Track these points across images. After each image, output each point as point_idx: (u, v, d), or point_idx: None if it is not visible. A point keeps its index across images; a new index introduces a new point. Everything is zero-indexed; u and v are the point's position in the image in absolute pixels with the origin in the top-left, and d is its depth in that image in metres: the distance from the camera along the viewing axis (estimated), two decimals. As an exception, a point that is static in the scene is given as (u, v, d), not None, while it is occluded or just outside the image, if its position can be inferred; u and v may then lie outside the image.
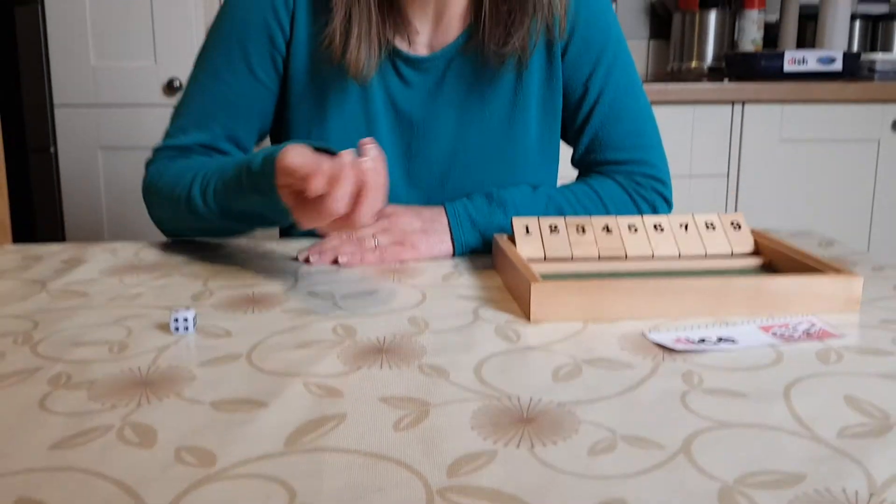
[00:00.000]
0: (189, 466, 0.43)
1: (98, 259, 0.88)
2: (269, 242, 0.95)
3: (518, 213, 0.91)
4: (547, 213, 0.93)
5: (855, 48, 2.49)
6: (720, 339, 0.62)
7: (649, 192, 0.98)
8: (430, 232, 0.90)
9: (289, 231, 1.06)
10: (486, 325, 0.66)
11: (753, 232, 0.84)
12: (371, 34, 0.90)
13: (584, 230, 0.83)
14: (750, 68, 2.17)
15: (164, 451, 0.44)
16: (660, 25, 2.58)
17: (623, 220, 0.84)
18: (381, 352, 0.60)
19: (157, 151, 0.98)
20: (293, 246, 0.93)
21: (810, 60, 2.15)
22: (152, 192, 0.95)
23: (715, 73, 2.39)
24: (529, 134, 1.00)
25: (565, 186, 0.98)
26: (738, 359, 0.58)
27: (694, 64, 2.43)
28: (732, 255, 0.82)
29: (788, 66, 2.15)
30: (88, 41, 2.00)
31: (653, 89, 1.98)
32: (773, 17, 2.48)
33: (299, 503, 0.39)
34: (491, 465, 0.43)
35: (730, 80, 2.13)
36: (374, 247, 0.87)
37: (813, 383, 0.54)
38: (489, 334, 0.64)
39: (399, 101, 0.97)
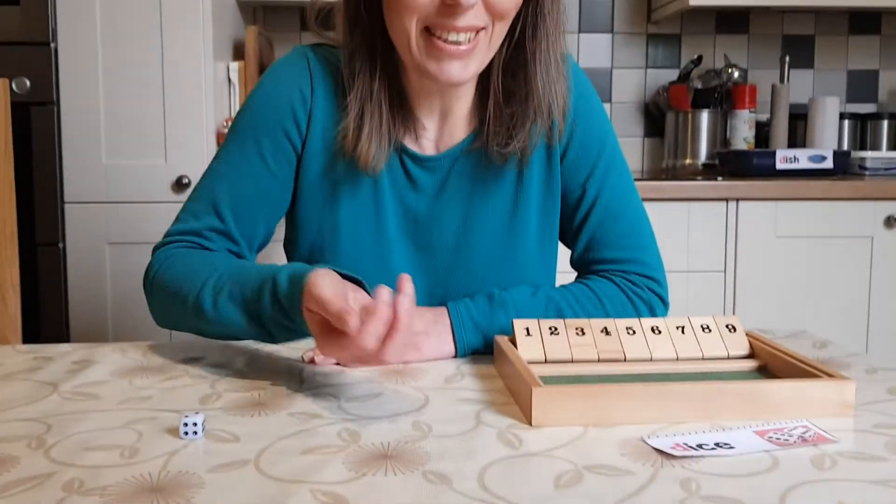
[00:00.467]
0: (200, 576, 0.44)
1: (108, 360, 0.90)
2: (274, 344, 0.97)
3: (519, 315, 0.94)
4: (547, 315, 0.95)
5: (845, 146, 2.56)
6: (717, 445, 0.63)
7: (646, 293, 1.01)
8: (432, 333, 0.92)
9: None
10: (489, 430, 0.67)
11: (748, 334, 0.87)
12: (381, 130, 0.96)
13: (583, 332, 0.85)
14: (743, 166, 2.23)
15: (175, 561, 0.46)
16: (653, 124, 2.67)
17: (621, 323, 0.86)
18: (385, 458, 0.61)
19: (167, 237, 1.00)
20: (298, 346, 0.95)
21: (802, 159, 2.21)
22: (157, 283, 0.96)
23: (709, 170, 2.46)
24: (530, 232, 1.03)
25: (564, 287, 1.01)
26: (735, 465, 0.59)
27: (688, 161, 2.50)
28: (728, 357, 0.84)
29: (781, 164, 2.21)
30: (101, 140, 2.06)
31: (648, 186, 2.04)
32: (764, 117, 2.56)
33: None
34: (495, 576, 0.44)
35: (723, 177, 2.18)
36: None
37: (808, 490, 0.55)
38: (492, 439, 0.65)
39: (406, 197, 1.01)
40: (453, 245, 1.03)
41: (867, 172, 2.27)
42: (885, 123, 2.56)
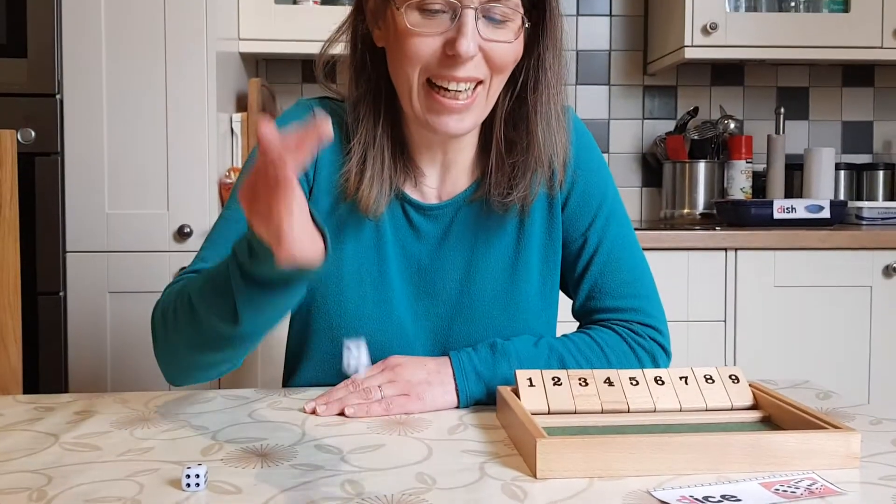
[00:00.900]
0: None
1: (109, 410, 0.90)
2: (275, 394, 0.97)
3: (521, 364, 0.94)
4: (549, 364, 0.95)
5: (841, 196, 2.58)
6: (724, 497, 0.63)
7: (648, 342, 1.01)
8: (435, 384, 0.92)
9: (294, 381, 1.08)
10: (493, 483, 0.67)
11: (752, 385, 0.87)
12: (383, 175, 0.98)
13: (586, 383, 0.85)
14: (741, 216, 2.25)
15: None
16: (651, 174, 2.69)
17: (625, 374, 0.86)
18: (390, 510, 0.61)
19: (176, 277, 0.99)
20: (300, 396, 0.95)
21: (799, 208, 2.23)
22: (158, 311, 0.94)
23: (706, 220, 2.47)
24: (531, 280, 1.04)
25: (566, 337, 1.01)
26: (742, 518, 0.59)
27: (686, 211, 2.51)
28: (732, 408, 0.84)
29: (778, 214, 2.22)
30: (104, 190, 2.08)
31: (647, 236, 2.05)
32: (761, 167, 2.59)
33: None
34: None
35: (721, 227, 2.20)
36: (380, 398, 0.89)
37: (817, 544, 0.55)
38: (496, 492, 0.65)
39: (409, 244, 1.02)
40: (455, 293, 1.03)
41: (864, 222, 2.29)
42: (881, 174, 2.58)
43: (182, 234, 2.08)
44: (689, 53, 2.30)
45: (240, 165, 2.22)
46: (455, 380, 0.93)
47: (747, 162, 2.51)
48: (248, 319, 0.81)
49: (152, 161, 2.08)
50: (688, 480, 0.67)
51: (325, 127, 0.63)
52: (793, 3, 2.39)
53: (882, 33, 2.31)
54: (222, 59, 2.16)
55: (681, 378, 0.86)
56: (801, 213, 2.23)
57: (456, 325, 1.04)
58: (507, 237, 1.03)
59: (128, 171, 2.07)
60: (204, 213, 2.10)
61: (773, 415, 0.81)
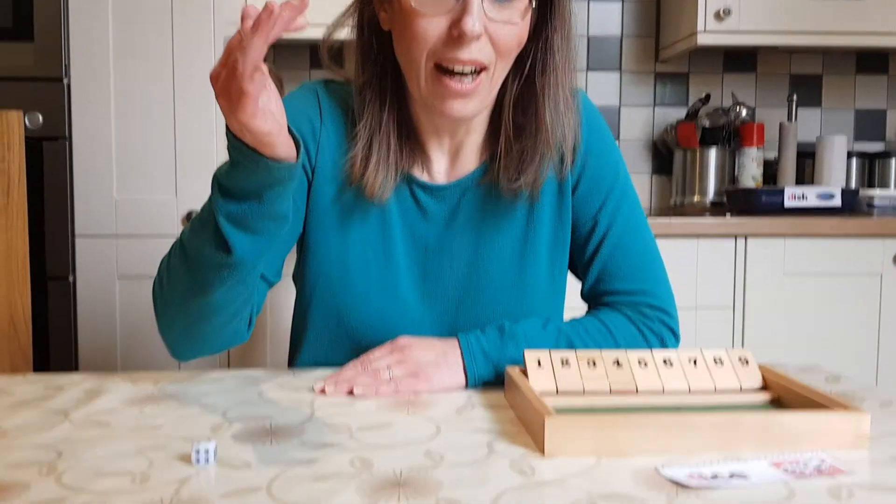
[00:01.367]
0: None
1: (119, 389, 0.90)
2: (284, 374, 0.97)
3: (530, 346, 0.94)
4: (558, 346, 0.95)
5: (853, 184, 2.56)
6: (732, 475, 0.63)
7: (656, 325, 1.01)
8: (443, 364, 0.92)
9: (299, 362, 1.09)
10: (501, 459, 0.67)
11: (761, 367, 0.86)
12: (389, 160, 0.98)
13: (594, 364, 0.85)
14: (751, 203, 2.23)
15: (188, 585, 0.45)
16: (661, 162, 2.68)
17: (633, 355, 0.86)
18: (398, 485, 0.61)
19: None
20: (309, 376, 0.95)
21: (810, 196, 2.22)
22: (155, 279, 0.94)
23: (717, 208, 2.46)
24: (540, 263, 1.04)
25: (575, 320, 1.01)
26: (751, 495, 0.59)
27: (696, 199, 2.50)
28: (741, 390, 0.84)
29: (789, 202, 2.21)
30: (112, 175, 2.08)
31: (657, 223, 2.04)
32: (772, 155, 2.58)
33: None
34: None
35: (731, 214, 2.19)
36: (388, 378, 0.89)
37: (826, 521, 0.54)
38: (504, 468, 0.65)
39: (416, 226, 1.02)
40: (463, 274, 1.03)
41: (876, 210, 2.27)
42: (894, 162, 2.57)
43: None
44: (702, 39, 2.29)
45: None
46: (463, 361, 0.93)
47: (759, 149, 2.50)
48: (237, 242, 0.80)
49: (160, 146, 2.08)
50: (696, 459, 0.67)
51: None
52: (805, -11, 2.37)
53: (896, 19, 2.29)
54: (231, 44, 2.16)
55: (690, 359, 0.86)
56: (812, 202, 2.22)
57: (464, 306, 1.03)
58: (516, 219, 1.03)
59: (136, 156, 2.08)
60: (213, 198, 2.10)
61: (783, 396, 0.81)
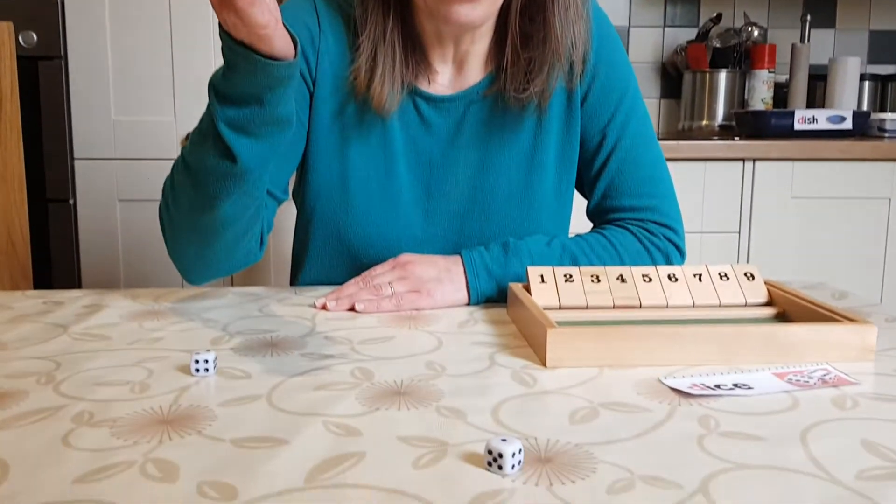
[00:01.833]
0: (211, 500, 0.43)
1: (118, 305, 0.90)
2: (285, 291, 0.97)
3: (534, 263, 0.92)
4: (562, 263, 0.94)
5: (864, 107, 2.52)
6: (735, 385, 0.62)
7: (662, 241, 0.99)
8: (445, 280, 0.91)
9: (300, 281, 1.08)
10: (503, 370, 0.66)
11: (767, 283, 0.85)
12: (395, 72, 0.95)
13: (598, 279, 0.84)
14: (760, 127, 2.20)
15: (186, 486, 0.45)
16: (670, 85, 2.63)
17: (637, 270, 0.85)
18: (399, 394, 0.60)
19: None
20: (310, 294, 0.94)
21: (820, 119, 2.17)
22: (161, 200, 0.90)
23: (725, 131, 2.42)
24: (547, 178, 1.02)
25: (579, 236, 0.99)
26: (754, 404, 0.58)
27: (704, 123, 2.46)
28: (746, 304, 0.83)
29: (799, 125, 2.17)
30: (110, 96, 2.05)
31: (665, 146, 2.01)
32: (783, 77, 2.52)
33: (320, 536, 0.39)
34: (510, 502, 0.43)
35: (740, 138, 2.15)
36: (390, 294, 0.88)
37: (830, 428, 0.54)
38: (505, 378, 0.64)
39: (419, 141, 1.00)
40: (468, 190, 1.01)
41: (886, 134, 2.23)
42: (907, 85, 2.51)
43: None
44: (713, -44, 2.21)
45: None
46: (466, 277, 0.92)
47: (769, 72, 2.45)
48: (241, 148, 0.77)
49: (157, 66, 2.04)
50: (700, 370, 0.66)
51: None
52: None
53: (916, -66, 2.21)
54: (229, -39, 2.10)
55: (694, 275, 0.85)
56: (822, 125, 2.18)
57: (468, 223, 1.02)
58: (523, 132, 1.00)
59: (133, 76, 2.04)
60: (213, 120, 2.07)
61: (788, 311, 0.80)
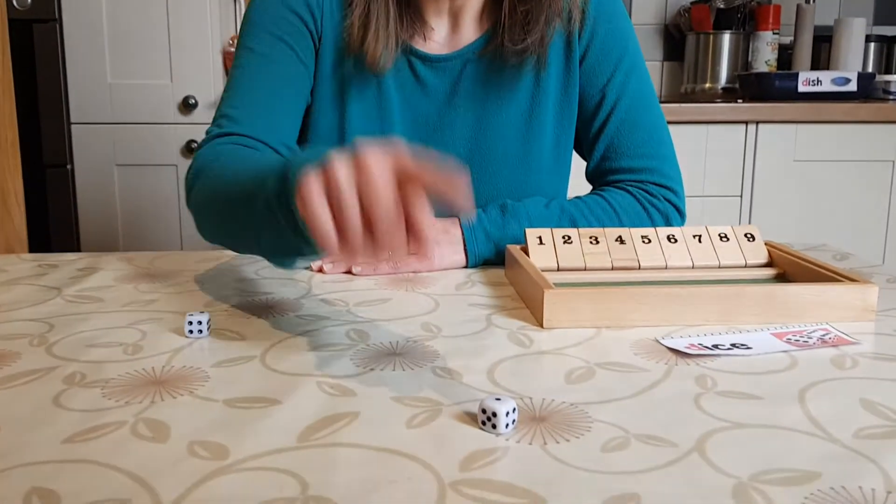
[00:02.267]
0: (202, 460, 0.43)
1: (113, 267, 0.89)
2: (282, 252, 0.96)
3: (532, 225, 0.91)
4: (560, 225, 0.93)
5: (870, 69, 2.48)
6: (734, 345, 0.61)
7: (662, 203, 0.98)
8: (443, 243, 0.90)
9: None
10: (499, 332, 0.66)
11: (767, 244, 0.84)
12: (388, 29, 0.92)
13: (597, 241, 0.83)
14: (764, 89, 2.17)
15: (177, 445, 0.45)
16: (673, 47, 2.60)
17: (636, 232, 0.84)
18: (394, 355, 0.60)
19: (211, 138, 0.90)
20: (307, 256, 0.93)
21: (825, 81, 2.15)
22: (201, 176, 0.82)
23: (728, 94, 2.40)
24: (545, 139, 1.00)
25: (578, 198, 0.98)
26: (752, 363, 0.58)
27: (708, 85, 2.43)
28: (746, 265, 0.82)
29: (803, 87, 2.15)
30: (106, 59, 2.02)
31: (667, 109, 1.99)
32: (787, 39, 2.49)
33: (311, 495, 0.39)
34: (504, 460, 0.43)
35: (744, 100, 2.13)
36: (387, 257, 0.87)
37: (828, 387, 0.53)
38: (502, 339, 0.63)
39: (415, 102, 0.98)
40: (465, 151, 1.00)
41: (892, 97, 2.21)
42: (913, 46, 2.48)
43: (187, 105, 2.04)
44: (717, -86, 2.17)
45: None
46: (464, 239, 0.91)
47: (774, 33, 2.41)
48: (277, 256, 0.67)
49: (153, 28, 2.01)
50: (698, 331, 0.66)
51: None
52: None
53: None
54: (224, -80, 2.06)
55: (694, 236, 0.84)
56: (826, 87, 2.15)
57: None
58: (520, 92, 0.99)
59: (129, 39, 2.02)
60: (209, 84, 2.05)
61: (789, 271, 0.79)
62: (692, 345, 0.61)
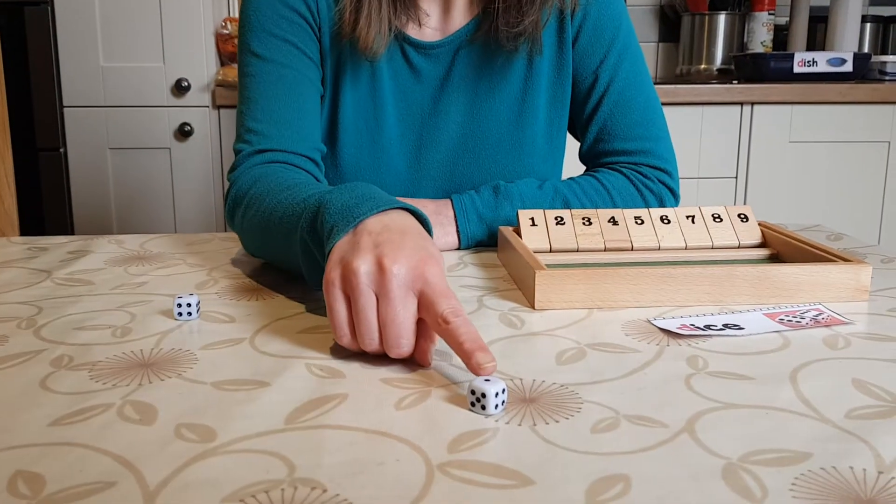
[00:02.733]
0: (189, 442, 0.42)
1: (104, 250, 0.88)
2: (274, 235, 0.95)
3: (525, 206, 0.91)
4: (553, 206, 0.93)
5: (865, 50, 2.48)
6: (726, 326, 0.61)
7: (656, 185, 0.98)
8: (435, 225, 0.90)
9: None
10: (491, 313, 0.65)
11: (761, 224, 0.84)
12: (381, 14, 0.91)
13: (590, 222, 0.82)
14: (759, 70, 2.16)
15: (164, 428, 0.44)
16: (669, 28, 2.58)
17: (629, 213, 0.83)
18: (384, 337, 0.59)
19: (244, 157, 0.88)
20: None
21: (820, 62, 2.14)
22: (240, 203, 0.82)
23: (724, 75, 2.39)
24: (538, 122, 0.99)
25: (571, 179, 0.98)
26: (744, 344, 0.58)
27: (703, 66, 2.42)
28: (740, 246, 0.82)
29: (798, 68, 2.14)
30: (98, 42, 2.01)
31: (662, 90, 1.98)
32: (783, 20, 2.47)
33: (299, 477, 0.39)
34: (492, 442, 0.42)
35: (739, 81, 2.12)
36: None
37: (820, 367, 0.53)
38: (493, 321, 0.63)
39: (408, 90, 0.97)
40: (458, 137, 0.99)
41: (887, 77, 2.20)
42: (909, 26, 2.47)
43: (180, 88, 2.02)
44: None
45: (235, 15, 2.13)
46: (456, 221, 0.90)
47: (769, 14, 2.40)
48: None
49: (145, 11, 1.99)
50: (690, 311, 0.65)
51: None
52: None
53: None
54: None
55: (687, 217, 0.83)
56: (822, 67, 2.14)
57: (459, 171, 1.00)
58: (513, 76, 0.98)
59: (121, 21, 2.00)
60: (202, 66, 2.04)
61: (782, 252, 0.79)
62: (684, 325, 0.61)
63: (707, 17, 2.40)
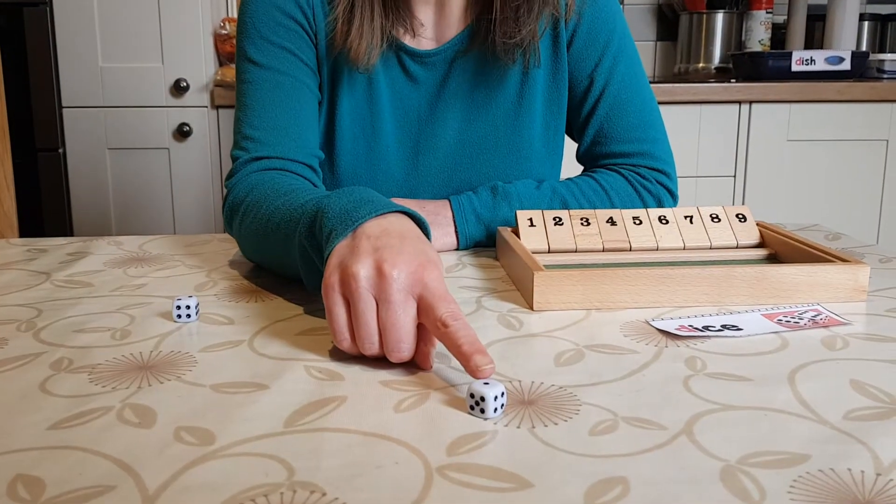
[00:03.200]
0: (188, 445, 0.43)
1: (103, 251, 0.88)
2: (273, 236, 0.95)
3: (523, 207, 0.91)
4: (552, 207, 0.93)
5: (864, 48, 2.48)
6: (724, 327, 0.61)
7: (654, 186, 0.98)
8: (434, 225, 0.90)
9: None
10: (489, 314, 0.65)
11: (759, 224, 0.84)
12: (374, 24, 0.90)
13: (588, 223, 0.82)
14: (757, 68, 2.16)
15: (163, 431, 0.44)
16: (667, 27, 2.58)
17: (628, 213, 0.83)
18: (383, 338, 0.59)
19: (241, 164, 0.88)
20: (297, 239, 0.93)
21: (818, 60, 2.14)
22: (238, 210, 0.82)
23: (722, 74, 2.39)
24: (535, 127, 0.99)
25: (570, 180, 0.98)
26: (743, 345, 0.58)
27: (701, 65, 2.42)
28: (738, 246, 0.82)
29: (796, 66, 2.14)
30: (97, 42, 2.01)
31: (660, 89, 1.98)
32: (781, 18, 2.48)
33: (298, 480, 0.39)
34: (491, 445, 0.42)
35: (737, 80, 2.12)
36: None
37: (818, 368, 0.53)
38: (492, 322, 0.63)
39: (405, 97, 0.97)
40: (455, 143, 0.99)
41: (885, 75, 2.20)
42: (907, 25, 2.47)
43: (179, 88, 2.02)
44: None
45: (234, 15, 2.13)
46: (454, 222, 0.90)
47: (767, 12, 2.40)
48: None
49: (144, 12, 1.99)
50: (688, 312, 0.65)
51: None
52: None
53: None
54: None
55: (686, 217, 0.84)
56: (820, 66, 2.14)
57: (456, 177, 1.00)
58: (509, 82, 0.98)
59: (120, 22, 2.00)
60: (200, 67, 2.04)
61: (780, 252, 0.79)
62: (683, 326, 0.61)
63: (705, 16, 2.40)
